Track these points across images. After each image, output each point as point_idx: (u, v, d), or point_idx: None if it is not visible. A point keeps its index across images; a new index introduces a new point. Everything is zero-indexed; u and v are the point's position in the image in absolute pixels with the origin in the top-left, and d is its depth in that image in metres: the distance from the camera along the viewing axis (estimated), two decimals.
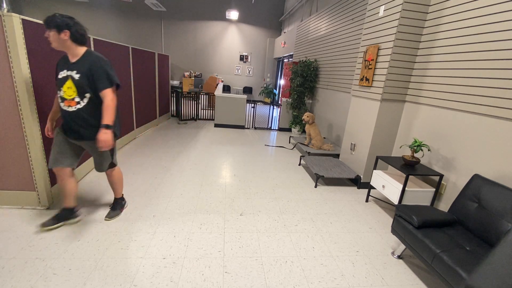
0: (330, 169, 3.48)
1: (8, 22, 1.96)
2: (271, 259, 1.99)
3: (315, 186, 3.35)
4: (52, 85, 2.44)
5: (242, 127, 6.46)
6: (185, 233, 2.22)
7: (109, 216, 2.32)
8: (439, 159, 2.60)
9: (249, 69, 12.10)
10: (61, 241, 2.00)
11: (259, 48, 11.89)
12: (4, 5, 9.65)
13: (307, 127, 4.51)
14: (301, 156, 4.05)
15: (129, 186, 2.97)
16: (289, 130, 6.55)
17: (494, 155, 2.07)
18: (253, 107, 6.87)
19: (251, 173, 3.63)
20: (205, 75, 11.88)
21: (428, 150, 2.54)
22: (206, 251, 2.02)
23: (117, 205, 2.42)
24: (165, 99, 6.49)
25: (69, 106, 1.88)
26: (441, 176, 2.47)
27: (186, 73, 11.47)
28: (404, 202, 2.49)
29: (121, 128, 2.16)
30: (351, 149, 3.62)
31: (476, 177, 2.01)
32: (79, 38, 1.90)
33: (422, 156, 2.81)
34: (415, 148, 2.54)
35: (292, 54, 8.02)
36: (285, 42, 9.21)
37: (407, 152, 3.03)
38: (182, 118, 6.80)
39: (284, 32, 10.56)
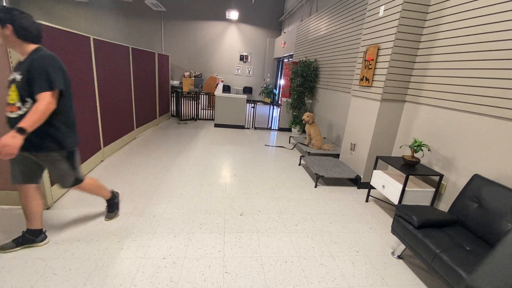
0: (330, 169, 3.48)
1: None
2: (271, 259, 1.99)
3: (315, 186, 3.35)
4: None
5: (242, 127, 6.46)
6: (185, 233, 2.22)
7: (108, 217, 2.31)
8: (439, 159, 2.60)
9: (249, 69, 12.10)
10: (61, 241, 2.00)
11: (259, 48, 11.89)
12: (4, 5, 9.64)
13: (307, 127, 4.51)
14: (301, 156, 4.05)
15: (129, 186, 2.97)
16: (289, 130, 6.55)
17: (494, 155, 2.07)
18: (253, 107, 6.87)
19: (251, 173, 3.63)
20: (205, 75, 11.88)
21: (428, 150, 2.54)
22: (206, 251, 2.02)
23: (112, 206, 2.36)
24: (165, 99, 6.49)
25: (11, 112, 1.62)
26: (441, 176, 2.47)
27: (186, 73, 11.47)
28: (404, 202, 2.49)
29: (77, 141, 1.86)
30: (351, 149, 3.62)
31: (476, 177, 2.01)
32: (24, 34, 1.58)
33: (422, 156, 2.81)
34: (415, 148, 2.54)
35: (292, 54, 8.02)
36: (285, 42, 9.21)
37: (407, 152, 3.03)
38: (182, 118, 6.80)
39: (284, 32, 10.56)
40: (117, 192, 2.41)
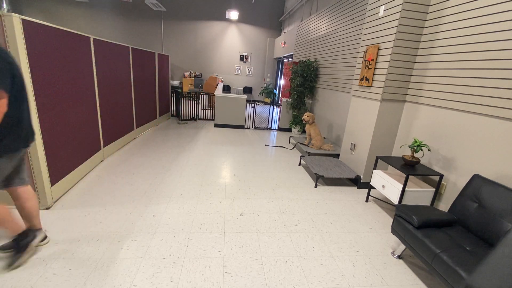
0: (330, 169, 3.48)
1: (8, 22, 1.95)
2: (271, 259, 1.99)
3: (315, 186, 3.35)
4: (52, 85, 2.44)
5: (242, 127, 6.46)
6: (185, 233, 2.22)
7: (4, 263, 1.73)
8: (439, 159, 2.60)
9: (249, 69, 12.10)
10: (61, 241, 2.00)
11: (259, 48, 11.89)
12: (4, 5, 9.65)
13: (307, 127, 4.51)
14: (301, 156, 4.05)
15: (129, 186, 2.97)
16: (289, 130, 6.55)
17: (494, 155, 2.07)
18: (253, 107, 6.87)
19: (251, 173, 3.63)
20: (205, 75, 11.87)
21: (428, 150, 2.54)
22: (206, 251, 2.02)
23: (17, 245, 1.77)
24: (165, 99, 6.49)
25: None
26: (441, 176, 2.47)
27: (186, 73, 11.47)
28: (404, 202, 2.49)
29: (18, 143, 1.67)
30: (351, 149, 3.62)
31: (476, 177, 2.01)
32: None
33: (422, 156, 2.81)
34: (415, 148, 2.54)
35: (292, 54, 8.02)
36: (285, 42, 9.21)
37: (407, 152, 3.03)
38: (182, 118, 6.80)
39: (284, 32, 10.56)
40: (37, 231, 1.88)
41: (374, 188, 2.94)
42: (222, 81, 10.80)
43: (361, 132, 3.38)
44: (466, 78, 2.33)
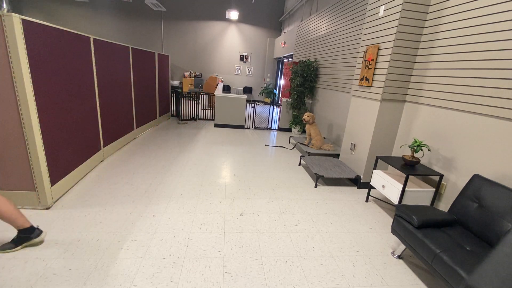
0: (330, 169, 3.48)
1: (8, 22, 1.95)
2: (271, 259, 1.99)
3: (315, 186, 3.35)
4: (52, 85, 2.44)
5: (242, 127, 6.46)
6: (185, 233, 2.22)
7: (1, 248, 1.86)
8: (439, 159, 2.60)
9: (249, 69, 12.09)
10: (61, 241, 2.00)
11: (259, 48, 11.89)
12: (4, 5, 9.65)
13: (307, 127, 4.51)
14: (301, 156, 4.05)
15: (129, 186, 2.97)
16: (289, 130, 6.55)
17: (494, 155, 2.07)
18: (253, 107, 6.87)
19: (251, 173, 3.63)
20: (205, 75, 11.87)
21: (428, 150, 2.54)
22: (206, 251, 2.02)
23: (20, 239, 1.88)
24: (165, 99, 6.49)
25: None
26: (441, 176, 2.47)
27: (186, 73, 11.47)
28: (404, 202, 2.49)
29: None
30: (351, 149, 3.62)
31: (476, 177, 2.01)
32: None
33: (422, 156, 2.81)
34: (415, 148, 2.54)
35: (292, 54, 8.02)
36: (285, 42, 9.21)
37: (407, 152, 3.03)
38: (182, 118, 6.80)
39: (284, 32, 10.56)
40: (39, 231, 1.94)
41: (374, 188, 2.94)
42: (222, 81, 10.80)
43: (361, 132, 3.38)
44: (466, 78, 2.33)
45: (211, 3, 11.10)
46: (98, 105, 3.38)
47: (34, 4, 10.47)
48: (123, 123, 4.26)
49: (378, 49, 3.06)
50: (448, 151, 2.50)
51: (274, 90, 11.45)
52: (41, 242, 1.95)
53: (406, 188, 2.45)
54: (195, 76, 11.56)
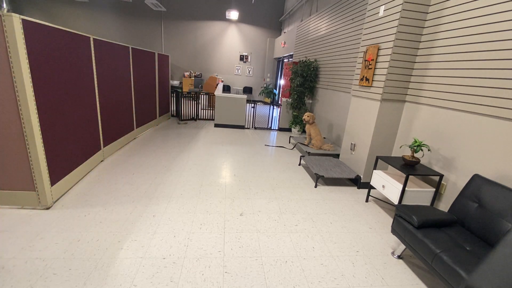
0: (330, 169, 3.48)
1: (8, 22, 1.95)
2: (271, 259, 1.99)
3: (315, 186, 3.35)
4: (52, 85, 2.44)
5: (242, 127, 6.46)
6: (185, 233, 2.22)
7: None
8: (439, 159, 2.60)
9: (249, 69, 12.09)
10: (61, 241, 2.00)
11: (259, 48, 11.89)
12: (4, 5, 9.65)
13: (307, 127, 4.51)
14: (301, 156, 4.05)
15: (129, 186, 2.97)
16: (289, 130, 6.55)
17: (494, 155, 2.07)
18: (253, 107, 6.87)
19: (251, 173, 3.63)
20: (205, 75, 11.87)
21: (428, 150, 2.54)
22: (206, 251, 2.02)
23: None
24: (165, 99, 6.49)
25: None
26: (441, 176, 2.47)
27: (186, 73, 11.47)
28: (404, 202, 2.49)
29: None
30: (351, 149, 3.62)
31: (476, 177, 2.01)
32: None
33: (422, 156, 2.81)
34: (415, 148, 2.54)
35: (292, 54, 8.02)
36: (285, 42, 9.21)
37: (407, 152, 3.03)
38: (182, 118, 6.80)
39: (284, 32, 10.56)
40: None
41: (374, 188, 2.94)
42: (222, 81, 10.79)
43: (361, 132, 3.38)
44: (466, 78, 2.33)
45: (211, 3, 11.10)
46: (98, 105, 3.38)
47: (34, 4, 10.47)
48: (123, 123, 4.26)
49: (378, 49, 3.06)
50: (448, 151, 2.50)
51: (274, 90, 11.44)
52: None
53: (406, 188, 2.45)
54: (195, 76, 11.56)
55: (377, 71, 3.08)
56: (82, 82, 2.99)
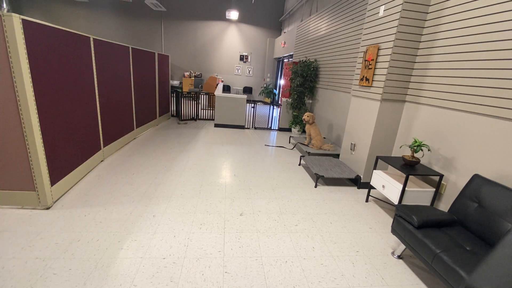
0: (330, 169, 3.48)
1: (8, 22, 1.95)
2: (271, 259, 1.99)
3: (315, 186, 3.35)
4: (52, 85, 2.44)
5: (242, 127, 6.46)
6: (185, 233, 2.22)
7: None
8: (439, 159, 2.60)
9: (249, 69, 12.09)
10: (61, 241, 2.00)
11: (259, 48, 11.89)
12: (4, 5, 9.65)
13: (307, 127, 4.51)
14: (301, 156, 4.05)
15: (129, 186, 2.97)
16: (289, 130, 6.55)
17: (494, 155, 2.07)
18: (253, 107, 6.87)
19: (251, 173, 3.63)
20: (205, 75, 11.87)
21: (428, 150, 2.54)
22: (206, 251, 2.02)
23: None
24: (165, 99, 6.49)
25: None
26: (441, 176, 2.47)
27: (186, 73, 11.47)
28: (404, 202, 2.49)
29: None
30: (351, 149, 3.62)
31: (476, 177, 2.01)
32: None
33: (422, 156, 2.81)
34: (415, 148, 2.54)
35: (292, 54, 8.02)
36: (285, 42, 9.21)
37: (407, 152, 3.03)
38: (182, 118, 6.80)
39: (284, 32, 10.56)
40: None
41: (374, 188, 2.94)
42: (222, 81, 10.80)
43: (361, 132, 3.38)
44: (466, 78, 2.33)
45: (211, 3, 11.10)
46: (98, 105, 3.38)
47: (34, 4, 10.47)
48: (123, 123, 4.26)
49: (378, 49, 3.06)
50: (448, 151, 2.50)
51: (274, 90, 11.45)
52: None
53: (406, 188, 2.45)
54: (195, 76, 11.56)
55: (377, 71, 3.08)
56: (82, 82, 2.99)
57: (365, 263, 2.03)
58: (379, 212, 2.85)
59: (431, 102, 2.69)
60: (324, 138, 5.21)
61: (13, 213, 2.29)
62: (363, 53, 3.36)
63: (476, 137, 2.22)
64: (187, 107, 7.01)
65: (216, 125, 6.37)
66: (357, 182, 3.43)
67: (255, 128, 6.63)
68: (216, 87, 9.01)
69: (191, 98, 7.38)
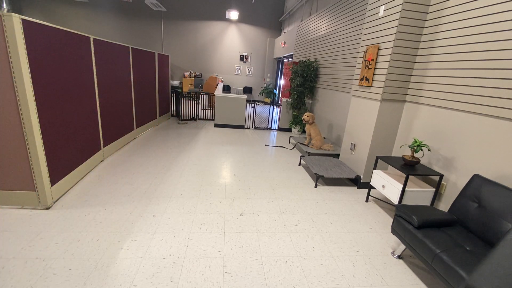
0: (330, 169, 3.48)
1: (8, 22, 1.95)
2: (271, 259, 1.99)
3: (315, 186, 3.35)
4: (52, 85, 2.44)
5: (242, 127, 6.46)
6: (185, 233, 2.22)
7: None
8: (439, 159, 2.60)
9: (249, 69, 12.09)
10: (61, 241, 2.00)
11: (259, 48, 11.89)
12: (4, 5, 9.65)
13: (307, 127, 4.51)
14: (301, 156, 4.05)
15: (129, 186, 2.97)
16: (289, 130, 6.55)
17: (494, 155, 2.07)
18: (253, 107, 6.87)
19: (251, 173, 3.63)
20: (205, 75, 11.87)
21: (428, 150, 2.54)
22: (206, 251, 2.02)
23: None
24: (165, 99, 6.49)
25: None
26: (441, 176, 2.47)
27: (186, 73, 11.47)
28: (404, 202, 2.49)
29: None
30: (351, 149, 3.62)
31: (476, 177, 2.01)
32: None
33: (422, 156, 2.81)
34: (415, 148, 2.54)
35: (292, 54, 8.02)
36: (285, 42, 9.21)
37: (407, 152, 3.03)
38: (182, 118, 6.80)
39: (284, 32, 10.56)
40: None
41: (374, 188, 2.94)
42: (222, 81, 10.79)
43: (361, 132, 3.38)
44: (466, 78, 2.33)
45: (211, 3, 11.10)
46: (98, 105, 3.38)
47: (34, 4, 10.47)
48: (123, 123, 4.26)
49: (378, 49, 3.06)
50: (448, 151, 2.50)
51: (274, 90, 11.45)
52: None
53: (406, 188, 2.45)
54: (195, 76, 11.56)
55: (377, 71, 3.08)
56: (82, 82, 2.99)
57: (365, 263, 2.03)
58: (379, 212, 2.85)
59: (431, 102, 2.69)
60: (324, 138, 5.21)
61: (13, 213, 2.29)
62: (363, 53, 3.36)
63: (476, 137, 2.22)
64: (187, 107, 7.01)
65: (216, 125, 6.37)
66: (357, 182, 3.43)
67: (255, 128, 6.63)
68: (216, 87, 9.01)
69: (191, 98, 7.38)
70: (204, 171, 3.58)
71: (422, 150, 2.58)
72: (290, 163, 4.18)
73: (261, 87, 12.00)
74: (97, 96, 3.34)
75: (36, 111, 2.22)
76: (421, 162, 2.82)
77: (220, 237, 2.20)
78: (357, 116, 3.48)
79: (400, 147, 3.12)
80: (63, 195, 2.66)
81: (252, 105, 7.01)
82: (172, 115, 7.20)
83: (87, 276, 1.70)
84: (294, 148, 5.11)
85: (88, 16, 10.72)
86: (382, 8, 3.02)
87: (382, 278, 1.89)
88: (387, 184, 2.67)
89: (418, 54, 2.90)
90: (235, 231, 2.30)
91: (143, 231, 2.19)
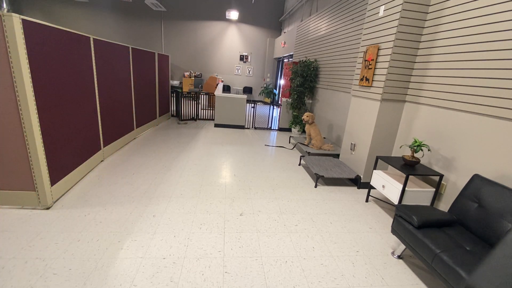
0: (330, 169, 3.48)
1: (8, 22, 1.95)
2: (271, 259, 1.99)
3: (315, 186, 3.35)
4: (52, 85, 2.44)
5: (242, 127, 6.46)
6: (185, 233, 2.22)
7: None
8: (439, 159, 2.60)
9: (249, 69, 12.09)
10: (61, 241, 2.00)
11: (259, 48, 11.88)
12: (4, 5, 9.65)
13: (307, 127, 4.51)
14: (301, 156, 4.05)
15: (129, 186, 2.97)
16: (289, 130, 6.55)
17: (494, 155, 2.07)
18: (253, 107, 6.87)
19: (251, 173, 3.63)
20: (205, 75, 11.87)
21: (428, 150, 2.54)
22: (206, 251, 2.02)
23: None
24: (165, 99, 6.49)
25: None
26: (441, 176, 2.47)
27: (186, 73, 11.47)
28: (404, 202, 2.49)
29: None
30: (351, 149, 3.62)
31: (476, 177, 2.01)
32: None
33: (422, 156, 2.81)
34: (415, 148, 2.54)
35: (292, 54, 8.01)
36: (285, 42, 9.21)
37: (407, 152, 3.03)
38: (182, 118, 6.80)
39: (284, 32, 10.56)
40: None
41: (374, 188, 2.94)
42: (222, 81, 10.80)
43: (361, 132, 3.38)
44: (466, 78, 2.33)
45: (211, 3, 11.10)
46: (98, 105, 3.38)
47: (34, 4, 10.47)
48: (123, 123, 4.26)
49: (378, 49, 3.06)
50: (448, 151, 2.50)
51: (274, 90, 11.45)
52: None
53: (406, 188, 2.45)
54: (195, 76, 11.56)
55: (377, 71, 3.08)
56: (82, 82, 2.99)
57: (365, 263, 2.03)
58: (379, 212, 2.85)
59: (431, 102, 2.69)
60: (324, 138, 5.21)
61: (13, 213, 2.29)
62: (363, 53, 3.36)
63: (476, 137, 2.22)
64: (187, 107, 7.01)
65: (216, 125, 6.37)
66: (357, 182, 3.43)
67: (255, 128, 6.63)
68: (216, 87, 9.01)
69: (191, 98, 7.38)
70: (204, 171, 3.58)
71: (422, 150, 2.58)
72: (290, 163, 4.18)
73: (261, 87, 12.00)
74: (97, 96, 3.34)
75: (36, 111, 2.22)
76: (421, 162, 2.82)
77: (220, 237, 2.20)
78: (357, 116, 3.48)
79: (400, 147, 3.12)
80: (63, 195, 2.66)
81: (252, 105, 7.01)
82: (172, 115, 7.20)
83: (87, 276, 1.70)
84: (294, 148, 5.11)
85: (88, 16, 10.72)
86: (382, 8, 3.02)
87: (382, 278, 1.89)
88: (387, 184, 2.67)
89: (418, 54, 2.90)
90: (235, 231, 2.30)
91: (143, 231, 2.19)
